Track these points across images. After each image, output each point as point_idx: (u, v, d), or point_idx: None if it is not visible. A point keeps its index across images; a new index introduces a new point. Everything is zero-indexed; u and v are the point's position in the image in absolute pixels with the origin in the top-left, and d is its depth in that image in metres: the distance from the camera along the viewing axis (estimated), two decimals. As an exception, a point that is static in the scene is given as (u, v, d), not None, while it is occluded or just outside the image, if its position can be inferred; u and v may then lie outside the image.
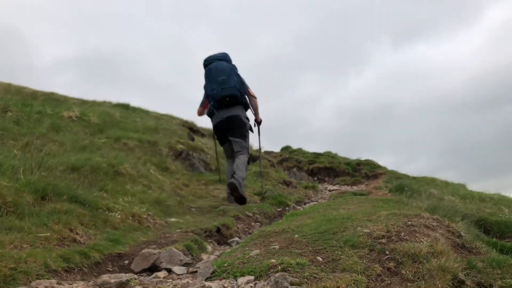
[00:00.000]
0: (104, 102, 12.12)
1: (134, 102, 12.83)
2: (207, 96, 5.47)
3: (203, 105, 5.83)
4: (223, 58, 5.47)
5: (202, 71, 5.70)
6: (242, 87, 5.42)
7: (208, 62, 5.43)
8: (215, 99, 5.28)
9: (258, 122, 6.00)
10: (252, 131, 5.71)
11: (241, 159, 5.46)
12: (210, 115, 5.52)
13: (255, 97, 5.55)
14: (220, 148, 6.41)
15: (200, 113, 5.96)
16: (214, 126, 5.61)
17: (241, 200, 5.35)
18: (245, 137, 5.57)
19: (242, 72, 5.51)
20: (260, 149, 8.29)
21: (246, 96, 5.52)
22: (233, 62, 5.62)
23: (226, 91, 5.23)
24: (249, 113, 5.71)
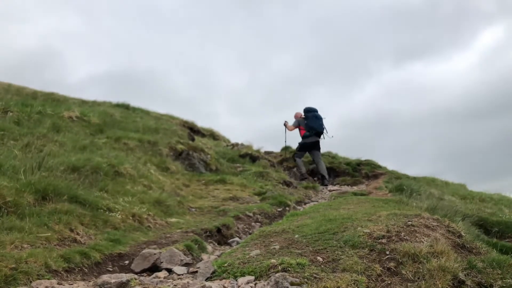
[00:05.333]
0: (104, 102, 12.09)
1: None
2: (310, 128, 10.01)
3: (295, 126, 10.44)
4: (317, 111, 10.25)
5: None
6: (324, 127, 10.20)
7: (311, 111, 10.17)
8: (314, 131, 10.00)
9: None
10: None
11: (322, 165, 10.25)
12: (307, 137, 10.09)
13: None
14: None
15: (292, 129, 10.52)
16: (308, 143, 10.12)
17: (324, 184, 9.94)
18: (320, 150, 10.38)
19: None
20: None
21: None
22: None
23: (320, 129, 10.03)
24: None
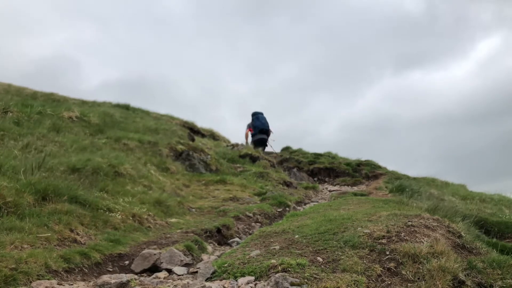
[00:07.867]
0: (104, 103, 12.10)
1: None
2: (255, 127, 12.34)
3: (247, 130, 12.56)
4: (262, 113, 12.66)
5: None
6: (268, 126, 12.50)
7: (256, 114, 12.52)
8: (259, 130, 12.31)
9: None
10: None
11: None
12: (255, 135, 12.31)
13: (272, 131, 12.73)
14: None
15: (247, 132, 12.59)
16: (257, 140, 12.33)
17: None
18: (264, 148, 12.52)
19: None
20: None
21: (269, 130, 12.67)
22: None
23: (265, 127, 12.34)
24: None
